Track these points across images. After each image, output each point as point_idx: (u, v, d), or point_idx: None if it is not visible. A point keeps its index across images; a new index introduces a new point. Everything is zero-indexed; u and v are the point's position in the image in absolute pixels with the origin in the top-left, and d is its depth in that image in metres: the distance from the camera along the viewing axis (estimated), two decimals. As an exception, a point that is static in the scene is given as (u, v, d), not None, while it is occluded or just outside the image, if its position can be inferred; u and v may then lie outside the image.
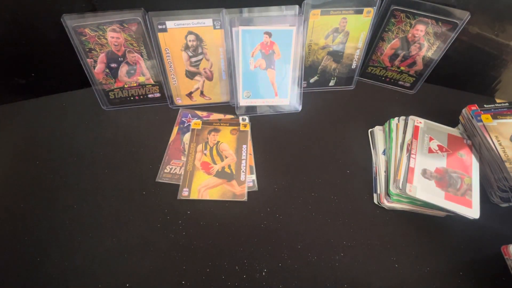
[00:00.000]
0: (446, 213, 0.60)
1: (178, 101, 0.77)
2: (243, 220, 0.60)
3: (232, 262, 0.55)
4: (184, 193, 0.63)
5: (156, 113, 0.76)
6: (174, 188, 0.64)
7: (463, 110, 0.68)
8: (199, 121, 0.74)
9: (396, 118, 0.68)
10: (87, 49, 0.66)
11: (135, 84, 0.74)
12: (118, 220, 0.59)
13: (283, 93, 0.75)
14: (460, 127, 0.70)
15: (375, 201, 0.63)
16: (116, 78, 0.72)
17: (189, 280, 0.53)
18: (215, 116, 0.76)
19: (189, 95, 0.76)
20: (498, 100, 0.83)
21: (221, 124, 0.74)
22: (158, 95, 0.77)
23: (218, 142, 0.71)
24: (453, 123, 0.70)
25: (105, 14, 0.63)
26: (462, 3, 0.67)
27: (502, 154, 0.59)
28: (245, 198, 0.63)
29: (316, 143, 0.72)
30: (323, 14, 0.69)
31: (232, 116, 0.76)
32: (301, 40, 0.68)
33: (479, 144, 0.64)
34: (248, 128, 0.73)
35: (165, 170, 0.66)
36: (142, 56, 0.70)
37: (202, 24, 0.66)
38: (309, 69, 0.79)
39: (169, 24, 0.65)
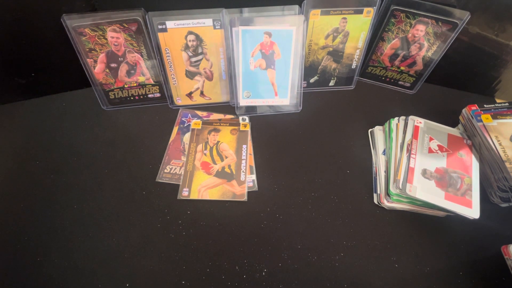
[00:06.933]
0: (446, 213, 0.60)
1: (178, 101, 0.77)
2: (243, 220, 0.60)
3: (232, 262, 0.55)
4: (184, 193, 0.63)
5: (156, 113, 0.76)
6: (174, 188, 0.64)
7: (463, 110, 0.68)
8: (199, 121, 0.74)
9: (396, 118, 0.68)
10: (87, 49, 0.66)
11: (135, 84, 0.74)
12: (118, 220, 0.60)
13: (283, 93, 0.75)
14: (460, 127, 0.70)
15: (375, 201, 0.63)
16: (116, 78, 0.72)
17: (189, 280, 0.53)
18: (215, 116, 0.76)
19: (189, 95, 0.76)
20: (498, 100, 0.83)
21: (221, 124, 0.74)
22: (158, 95, 0.77)
23: (218, 142, 0.71)
24: (453, 123, 0.70)
25: (105, 14, 0.63)
26: (462, 3, 0.67)
27: (502, 154, 0.59)
28: (245, 198, 0.63)
29: (316, 143, 0.72)
30: (323, 14, 0.69)
31: (232, 116, 0.76)
32: (301, 40, 0.68)
33: (479, 144, 0.64)
34: (248, 128, 0.73)
35: (165, 170, 0.66)
36: (142, 56, 0.70)
37: (202, 24, 0.66)
38: (309, 69, 0.79)
39: (169, 24, 0.65)
